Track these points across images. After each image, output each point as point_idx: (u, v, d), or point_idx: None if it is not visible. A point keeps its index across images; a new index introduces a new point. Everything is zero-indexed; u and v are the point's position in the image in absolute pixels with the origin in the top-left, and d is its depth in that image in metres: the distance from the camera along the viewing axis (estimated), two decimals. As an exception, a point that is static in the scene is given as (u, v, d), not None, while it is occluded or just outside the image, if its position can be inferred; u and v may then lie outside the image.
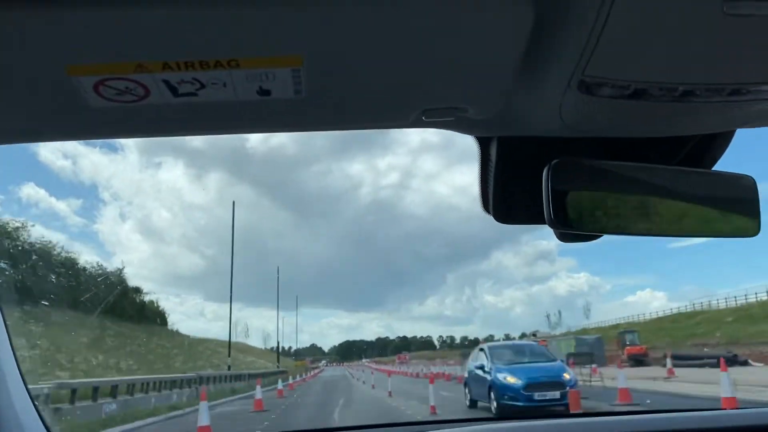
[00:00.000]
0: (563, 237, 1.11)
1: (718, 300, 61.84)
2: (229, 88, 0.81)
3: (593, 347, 47.02)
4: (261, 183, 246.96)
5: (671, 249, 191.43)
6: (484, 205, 1.16)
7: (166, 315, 63.24)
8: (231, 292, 43.73)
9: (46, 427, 1.60)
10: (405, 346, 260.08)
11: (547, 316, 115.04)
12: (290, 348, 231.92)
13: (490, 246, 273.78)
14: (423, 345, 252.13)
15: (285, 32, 0.71)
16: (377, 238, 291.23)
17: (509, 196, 1.13)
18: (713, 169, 1.12)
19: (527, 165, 1.05)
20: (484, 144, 1.10)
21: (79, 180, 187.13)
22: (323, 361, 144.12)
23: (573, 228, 0.98)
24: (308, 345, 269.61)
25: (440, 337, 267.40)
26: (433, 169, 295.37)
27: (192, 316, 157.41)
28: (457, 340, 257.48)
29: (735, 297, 59.79)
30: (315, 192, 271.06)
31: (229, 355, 40.99)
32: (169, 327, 62.06)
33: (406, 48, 0.75)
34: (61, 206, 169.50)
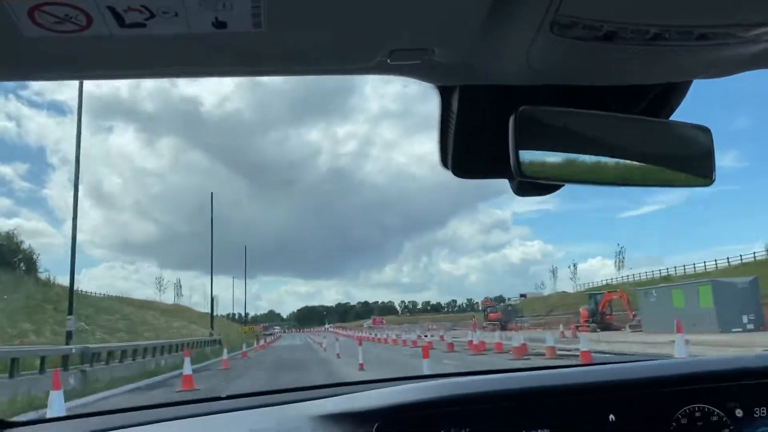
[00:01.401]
0: (521, 190, 1.10)
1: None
2: (181, 18, 0.71)
3: (745, 296, 27.61)
4: (216, 149, 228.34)
5: (620, 219, 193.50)
6: (443, 160, 1.12)
7: (35, 257, 40.21)
8: (74, 226, 21.79)
9: None
10: (367, 311, 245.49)
11: (553, 271, 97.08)
12: (247, 315, 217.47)
13: (447, 215, 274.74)
14: (385, 310, 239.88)
15: None
16: (335, 207, 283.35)
17: (469, 148, 1.10)
18: (671, 119, 1.11)
19: (489, 115, 1.03)
20: (446, 93, 1.05)
21: (25, 143, 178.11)
22: (277, 328, 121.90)
23: (537, 177, 0.97)
24: (266, 311, 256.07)
25: (402, 302, 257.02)
26: (391, 137, 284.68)
27: (148, 284, 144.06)
28: (419, 305, 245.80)
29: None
30: (272, 159, 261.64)
31: (70, 313, 19.09)
32: (40, 275, 39.56)
33: None
34: (5, 170, 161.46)
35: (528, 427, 1.38)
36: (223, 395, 1.71)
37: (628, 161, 1.03)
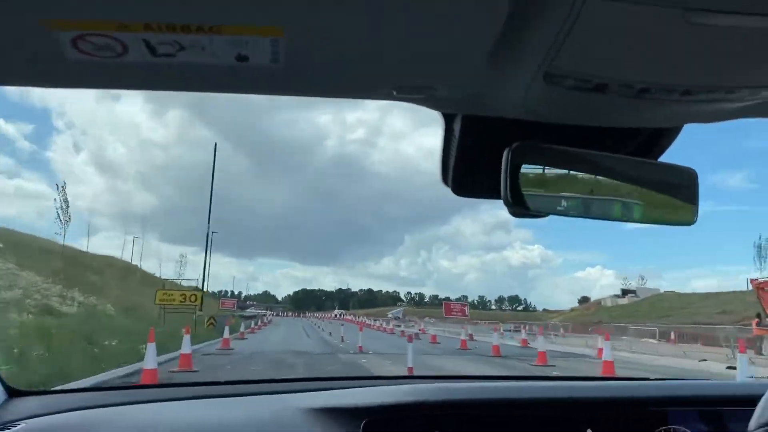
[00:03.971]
0: (516, 213, 1.12)
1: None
2: (207, 51, 0.78)
3: None
4: (223, 126, 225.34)
5: (622, 229, 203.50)
6: (444, 178, 1.18)
7: None
8: None
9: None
10: (371, 300, 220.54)
11: (759, 247, 64.89)
12: (240, 293, 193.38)
13: (450, 212, 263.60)
14: (390, 300, 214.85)
15: (268, 4, 0.71)
16: (339, 194, 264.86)
17: (468, 170, 1.14)
18: (660, 160, 1.14)
19: (488, 143, 1.07)
20: (449, 119, 1.10)
21: (30, 103, 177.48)
22: (266, 311, 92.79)
23: (527, 208, 1.00)
24: (261, 292, 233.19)
25: (408, 293, 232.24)
26: (402, 128, 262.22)
27: (146, 256, 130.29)
28: (426, 299, 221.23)
29: None
30: (279, 141, 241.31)
31: None
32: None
33: (383, 28, 0.75)
34: (8, 129, 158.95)
35: None
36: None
37: (616, 198, 1.07)
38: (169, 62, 0.80)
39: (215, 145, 49.76)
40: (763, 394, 0.80)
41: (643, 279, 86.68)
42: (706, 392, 1.60)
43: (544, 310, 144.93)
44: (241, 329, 29.37)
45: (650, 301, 60.94)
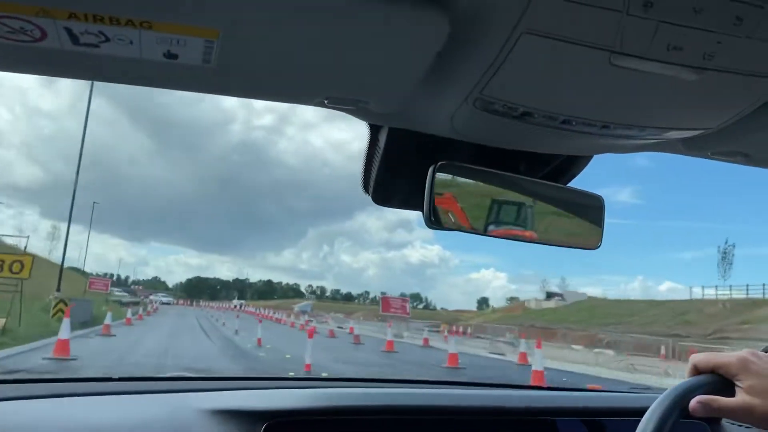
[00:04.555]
0: (433, 227, 1.14)
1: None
2: (135, 46, 0.74)
3: None
4: (121, 98, 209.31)
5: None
6: (365, 186, 1.19)
7: None
8: None
9: None
10: (269, 291, 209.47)
11: (724, 253, 59.40)
12: (127, 278, 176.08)
13: (355, 207, 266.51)
14: (291, 293, 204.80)
15: (207, 6, 0.68)
16: (241, 181, 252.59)
17: (390, 182, 1.17)
18: (570, 185, 1.19)
19: (412, 157, 1.10)
20: (375, 130, 1.11)
21: None
22: (154, 297, 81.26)
23: (445, 225, 1.04)
24: (150, 278, 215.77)
25: (309, 286, 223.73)
26: (312, 119, 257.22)
27: (24, 231, 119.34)
28: (328, 293, 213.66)
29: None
30: (180, 120, 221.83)
31: None
32: None
33: (321, 40, 0.75)
34: None
35: None
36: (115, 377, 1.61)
37: (528, 220, 1.11)
38: (90, 52, 0.75)
39: (91, 84, 40.08)
40: (649, 407, 0.81)
41: (564, 281, 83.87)
42: (596, 403, 1.62)
43: (443, 309, 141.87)
44: (107, 320, 20.14)
45: (585, 305, 56.68)
